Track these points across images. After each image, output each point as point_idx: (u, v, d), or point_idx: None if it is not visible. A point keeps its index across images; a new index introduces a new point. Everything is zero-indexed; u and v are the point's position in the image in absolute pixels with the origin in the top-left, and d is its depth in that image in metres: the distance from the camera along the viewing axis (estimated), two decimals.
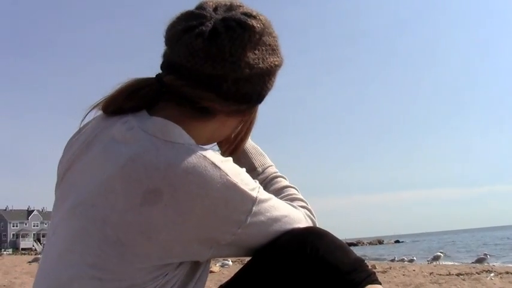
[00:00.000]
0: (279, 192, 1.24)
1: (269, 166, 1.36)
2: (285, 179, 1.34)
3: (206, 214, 0.98)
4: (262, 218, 1.06)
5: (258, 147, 1.40)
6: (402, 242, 78.99)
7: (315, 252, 1.07)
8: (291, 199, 1.24)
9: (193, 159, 0.98)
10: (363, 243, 74.03)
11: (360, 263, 1.12)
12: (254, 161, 1.35)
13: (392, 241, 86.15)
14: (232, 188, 1.00)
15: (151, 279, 1.00)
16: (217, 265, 13.79)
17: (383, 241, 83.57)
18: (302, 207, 1.22)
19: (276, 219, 1.10)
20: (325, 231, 1.15)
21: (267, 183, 1.26)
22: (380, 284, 1.14)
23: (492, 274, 8.53)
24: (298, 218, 1.16)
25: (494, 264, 15.30)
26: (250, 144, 1.39)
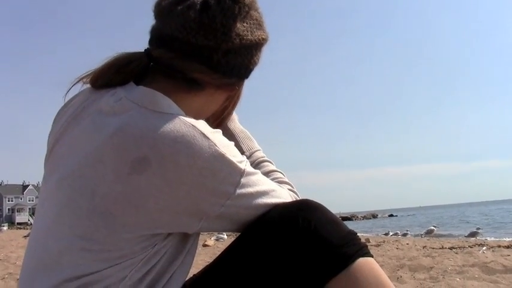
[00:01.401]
0: (266, 176, 1.24)
1: (256, 150, 1.39)
2: (272, 163, 1.37)
3: (194, 184, 0.99)
4: (250, 190, 1.07)
5: (246, 131, 1.42)
6: (396, 216, 79.62)
7: (307, 225, 1.08)
8: (278, 182, 1.26)
9: (182, 129, 0.99)
10: (357, 217, 74.62)
11: (352, 236, 1.13)
12: (242, 145, 1.37)
13: (387, 215, 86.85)
14: (221, 158, 1.00)
15: (140, 249, 1.01)
16: (212, 239, 13.89)
17: (377, 215, 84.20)
18: (289, 190, 1.24)
19: (264, 192, 1.11)
20: (318, 203, 1.15)
21: (254, 167, 1.28)
22: (372, 256, 1.15)
23: (484, 248, 8.62)
24: (285, 194, 1.18)
25: (487, 238, 15.47)
26: (238, 128, 1.41)
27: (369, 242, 11.55)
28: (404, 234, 19.85)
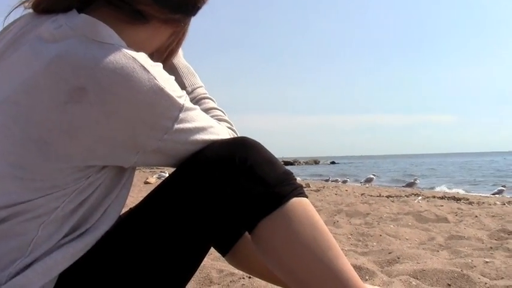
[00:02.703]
0: (206, 113, 1.24)
1: (199, 87, 1.39)
2: (213, 101, 1.37)
3: (131, 117, 0.98)
4: (188, 125, 1.07)
5: (190, 67, 1.42)
6: (338, 163, 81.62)
7: (243, 163, 1.09)
8: (218, 120, 1.26)
9: (122, 60, 0.97)
10: (300, 162, 75.95)
11: (287, 176, 1.15)
12: (185, 80, 1.37)
13: (328, 162, 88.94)
14: (160, 92, 1.00)
15: (73, 180, 1.01)
16: (154, 177, 13.90)
17: (319, 162, 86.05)
18: (227, 127, 1.24)
19: (202, 128, 1.11)
20: (255, 142, 1.16)
21: (195, 103, 1.28)
22: (306, 197, 1.17)
23: (420, 197, 9.04)
24: (223, 132, 1.18)
25: (423, 188, 16.18)
26: (182, 63, 1.41)
27: (309, 187, 11.87)
28: (344, 181, 20.46)
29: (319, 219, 1.16)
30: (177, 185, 1.12)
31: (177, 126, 1.05)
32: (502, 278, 2.37)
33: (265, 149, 1.17)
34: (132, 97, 0.97)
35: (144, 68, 0.99)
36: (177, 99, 1.04)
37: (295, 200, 1.13)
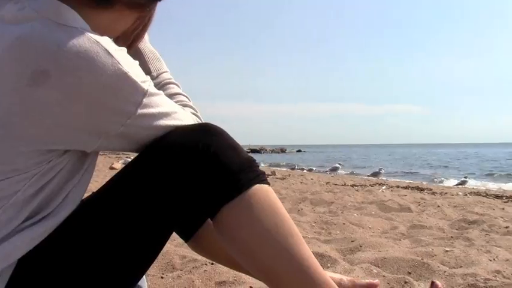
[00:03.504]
0: (170, 98, 1.24)
1: (164, 72, 1.39)
2: (178, 86, 1.38)
3: (94, 101, 0.98)
4: (152, 110, 1.07)
5: (156, 52, 1.42)
6: (304, 152, 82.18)
7: (206, 149, 1.10)
8: (182, 105, 1.27)
9: (85, 43, 0.96)
10: (266, 150, 76.08)
11: (250, 163, 1.16)
12: (150, 65, 1.37)
13: (295, 150, 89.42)
14: (123, 77, 1.00)
15: (33, 164, 1.00)
16: (119, 162, 13.75)
17: (285, 150, 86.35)
18: (192, 113, 1.25)
19: (166, 114, 1.11)
20: (219, 128, 1.17)
21: (160, 88, 1.28)
22: (268, 184, 1.18)
23: (384, 187, 9.20)
24: (187, 118, 1.18)
25: (388, 178, 16.45)
26: (148, 48, 1.41)
27: (275, 175, 11.92)
28: (310, 170, 20.65)
29: (280, 207, 1.18)
30: (139, 171, 1.12)
31: (140, 111, 1.04)
32: (461, 266, 2.44)
33: (229, 135, 1.17)
34: (95, 81, 0.96)
35: (108, 52, 0.98)
36: (140, 84, 1.03)
37: (258, 187, 1.14)
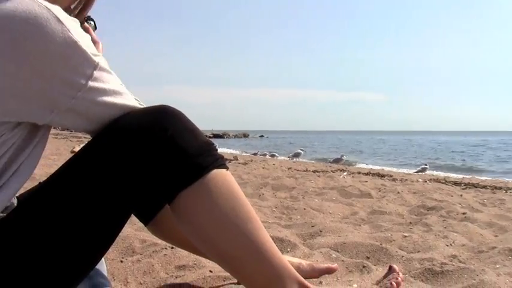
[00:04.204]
0: None
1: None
2: None
3: (43, 69, 0.96)
4: (103, 86, 1.06)
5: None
6: (267, 137, 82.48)
7: (163, 132, 1.09)
8: None
9: (35, 10, 0.95)
10: (229, 135, 76.08)
11: (208, 147, 1.15)
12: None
13: (257, 136, 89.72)
14: (73, 46, 0.98)
15: None
16: (81, 146, 13.51)
17: (248, 135, 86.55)
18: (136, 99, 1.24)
19: (118, 92, 1.10)
20: (178, 111, 1.16)
21: None
22: (227, 168, 1.18)
23: (345, 173, 9.31)
24: (133, 100, 1.17)
25: (349, 165, 16.66)
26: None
27: (237, 160, 11.92)
28: (272, 155, 20.74)
29: (239, 191, 1.18)
30: (95, 153, 1.10)
31: (91, 84, 1.03)
32: (419, 251, 2.48)
33: (187, 118, 1.16)
34: (44, 48, 0.95)
35: (59, 20, 0.97)
36: (91, 56, 1.02)
37: (216, 172, 1.14)
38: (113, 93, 1.09)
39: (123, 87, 1.15)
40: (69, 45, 0.98)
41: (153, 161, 1.09)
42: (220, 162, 1.17)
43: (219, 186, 1.14)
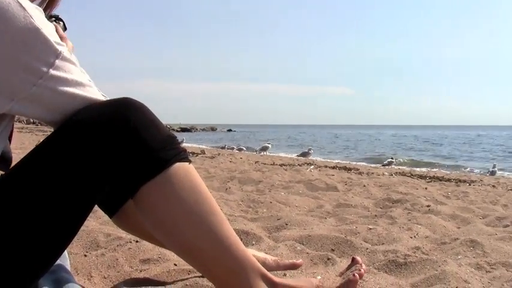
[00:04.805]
0: None
1: None
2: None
3: (4, 54, 0.95)
4: (65, 75, 1.05)
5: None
6: (235, 131, 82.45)
7: (125, 125, 1.08)
8: None
9: None
10: (197, 129, 75.76)
11: (171, 140, 1.15)
12: None
13: (225, 130, 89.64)
14: (35, 32, 0.97)
15: None
16: None
17: (216, 129, 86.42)
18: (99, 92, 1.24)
19: (80, 83, 1.09)
20: (140, 103, 1.15)
21: None
22: (190, 162, 1.18)
23: (312, 166, 9.38)
24: (99, 95, 1.16)
25: (316, 158, 16.79)
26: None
27: (204, 153, 11.89)
28: (240, 149, 20.75)
29: (201, 184, 1.18)
30: (56, 144, 1.09)
31: (52, 72, 1.02)
32: (383, 243, 2.51)
33: (150, 110, 1.15)
34: (5, 32, 0.94)
35: (21, 5, 0.96)
36: (54, 44, 1.01)
37: (178, 165, 1.14)
38: (76, 84, 1.08)
39: (87, 78, 1.13)
40: (30, 31, 0.96)
41: (115, 153, 1.07)
42: (182, 155, 1.16)
43: (181, 180, 1.13)
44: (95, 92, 1.14)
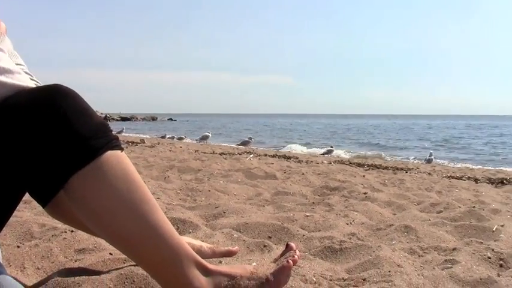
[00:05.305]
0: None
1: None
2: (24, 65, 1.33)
3: None
4: None
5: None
6: (175, 120, 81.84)
7: (55, 112, 1.04)
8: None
9: None
10: (137, 118, 74.66)
11: (102, 128, 1.12)
12: None
13: (166, 119, 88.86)
14: None
15: None
16: None
17: (157, 118, 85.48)
18: (31, 79, 1.21)
19: (9, 71, 1.06)
20: (71, 90, 1.12)
21: None
22: (122, 150, 1.16)
23: (251, 155, 9.41)
24: (28, 81, 1.13)
25: (256, 147, 16.88)
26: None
27: (144, 143, 11.74)
28: (180, 138, 20.62)
29: (134, 173, 1.16)
30: None
31: None
32: (319, 230, 2.54)
33: (81, 98, 1.12)
34: None
35: None
36: None
37: (110, 153, 1.11)
38: (4, 71, 1.05)
39: (14, 66, 1.10)
40: None
41: (42, 140, 1.03)
42: (114, 143, 1.13)
43: (113, 168, 1.11)
44: (25, 79, 1.10)
